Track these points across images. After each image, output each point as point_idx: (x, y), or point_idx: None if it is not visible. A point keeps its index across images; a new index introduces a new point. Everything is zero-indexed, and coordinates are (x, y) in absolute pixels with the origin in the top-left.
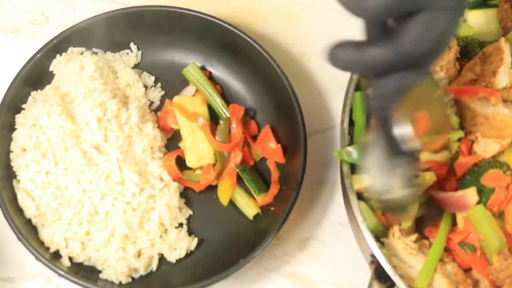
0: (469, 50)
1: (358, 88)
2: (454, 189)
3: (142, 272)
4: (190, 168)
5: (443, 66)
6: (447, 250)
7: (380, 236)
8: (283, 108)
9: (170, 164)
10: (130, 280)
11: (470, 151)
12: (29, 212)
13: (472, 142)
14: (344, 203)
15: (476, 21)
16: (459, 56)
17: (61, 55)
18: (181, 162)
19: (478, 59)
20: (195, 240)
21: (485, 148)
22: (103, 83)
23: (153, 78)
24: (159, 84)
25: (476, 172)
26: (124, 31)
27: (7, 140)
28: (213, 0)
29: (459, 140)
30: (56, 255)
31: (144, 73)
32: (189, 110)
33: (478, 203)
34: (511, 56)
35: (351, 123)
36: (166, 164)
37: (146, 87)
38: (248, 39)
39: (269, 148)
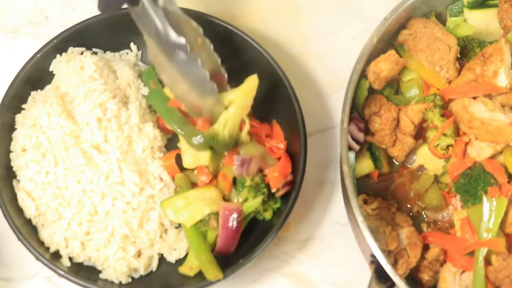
0: (469, 50)
1: (358, 86)
2: None
3: (142, 272)
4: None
5: (443, 65)
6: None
7: None
8: (283, 108)
9: (170, 164)
10: (130, 280)
11: (464, 153)
12: (29, 212)
13: (466, 144)
14: (344, 203)
15: (476, 21)
16: (459, 56)
17: (61, 55)
18: (181, 162)
19: (478, 59)
20: None
21: (478, 151)
22: (103, 83)
23: None
24: None
25: (469, 175)
26: (124, 31)
27: (7, 140)
28: (213, 0)
29: (448, 147)
30: (56, 255)
31: None
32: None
33: (475, 204)
34: (511, 56)
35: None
36: (166, 164)
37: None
38: (248, 39)
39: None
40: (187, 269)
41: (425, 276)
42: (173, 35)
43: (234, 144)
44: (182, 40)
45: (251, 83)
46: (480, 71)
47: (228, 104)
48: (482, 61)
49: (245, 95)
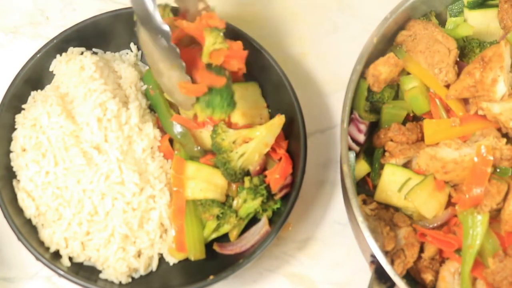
0: (469, 51)
1: (358, 87)
2: None
3: (142, 272)
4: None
5: (442, 68)
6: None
7: None
8: (283, 108)
9: (165, 145)
10: (130, 280)
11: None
12: (29, 212)
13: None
14: (344, 203)
15: (476, 21)
16: (458, 59)
17: (61, 55)
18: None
19: (477, 63)
20: None
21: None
22: (103, 83)
23: None
24: None
25: None
26: (124, 31)
27: (7, 140)
28: (213, 1)
29: None
30: (56, 255)
31: None
32: None
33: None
34: (511, 58)
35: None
36: (161, 146)
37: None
38: (248, 39)
39: None
40: (174, 251)
41: (429, 276)
42: (158, 20)
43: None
44: (165, 27)
45: (277, 121)
46: (479, 76)
47: (251, 138)
48: (481, 65)
49: (269, 132)
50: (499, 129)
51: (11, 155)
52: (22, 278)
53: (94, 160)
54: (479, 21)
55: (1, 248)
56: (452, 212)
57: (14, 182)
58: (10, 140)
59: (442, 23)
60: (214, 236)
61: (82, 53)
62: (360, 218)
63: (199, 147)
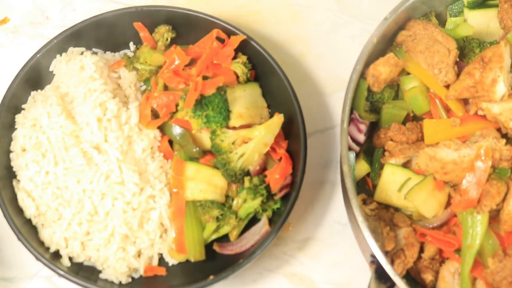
0: (469, 51)
1: (358, 87)
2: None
3: (142, 272)
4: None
5: (442, 68)
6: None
7: None
8: (283, 108)
9: (165, 146)
10: (130, 280)
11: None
12: (29, 212)
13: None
14: (344, 203)
15: (476, 21)
16: (458, 59)
17: (61, 55)
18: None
19: (477, 63)
20: None
21: None
22: (103, 83)
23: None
24: None
25: None
26: (124, 31)
27: (7, 140)
28: (213, 0)
29: None
30: (56, 255)
31: None
32: None
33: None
34: (511, 58)
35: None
36: (161, 146)
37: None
38: (248, 39)
39: None
40: (174, 252)
41: (429, 277)
42: None
43: (243, 175)
44: None
45: (276, 120)
46: (479, 77)
47: (251, 138)
48: (481, 65)
49: (268, 132)
50: (498, 130)
51: (11, 155)
52: (22, 278)
53: (94, 160)
54: (479, 21)
55: (1, 248)
56: (452, 212)
57: (14, 182)
58: (10, 140)
59: (442, 23)
60: (214, 237)
61: (82, 53)
62: (360, 218)
63: (198, 148)
